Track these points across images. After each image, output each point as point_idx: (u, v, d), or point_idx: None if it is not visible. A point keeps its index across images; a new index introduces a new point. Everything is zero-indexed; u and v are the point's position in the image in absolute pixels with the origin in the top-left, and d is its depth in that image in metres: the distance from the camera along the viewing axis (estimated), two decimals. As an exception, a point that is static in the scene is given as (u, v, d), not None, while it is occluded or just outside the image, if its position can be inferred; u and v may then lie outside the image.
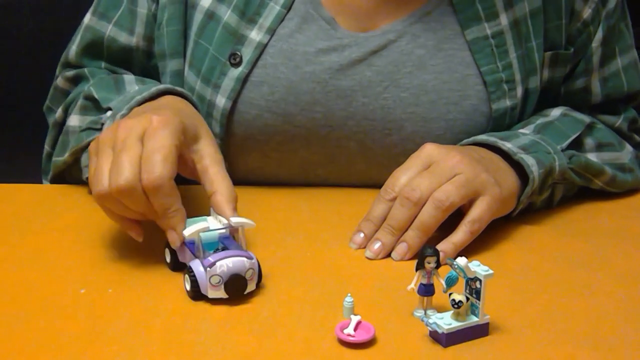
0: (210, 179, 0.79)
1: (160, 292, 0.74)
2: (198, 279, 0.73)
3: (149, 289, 0.75)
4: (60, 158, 0.96)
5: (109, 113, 0.89)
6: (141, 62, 1.00)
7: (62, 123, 0.99)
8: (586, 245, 0.87)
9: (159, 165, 0.73)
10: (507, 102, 0.95)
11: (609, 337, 0.70)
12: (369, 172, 0.96)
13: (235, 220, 0.76)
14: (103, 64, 1.01)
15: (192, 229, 0.74)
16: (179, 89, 0.89)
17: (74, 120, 0.95)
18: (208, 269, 0.72)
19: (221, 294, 0.72)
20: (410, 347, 0.68)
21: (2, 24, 1.21)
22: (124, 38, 0.99)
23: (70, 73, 1.01)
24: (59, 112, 0.99)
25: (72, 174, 0.97)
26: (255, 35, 0.92)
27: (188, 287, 0.73)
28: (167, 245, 0.78)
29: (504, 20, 0.94)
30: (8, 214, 0.91)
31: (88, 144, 0.90)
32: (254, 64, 0.93)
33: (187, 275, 0.74)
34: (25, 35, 1.22)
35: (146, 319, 0.70)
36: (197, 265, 0.73)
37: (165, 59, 0.97)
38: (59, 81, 1.03)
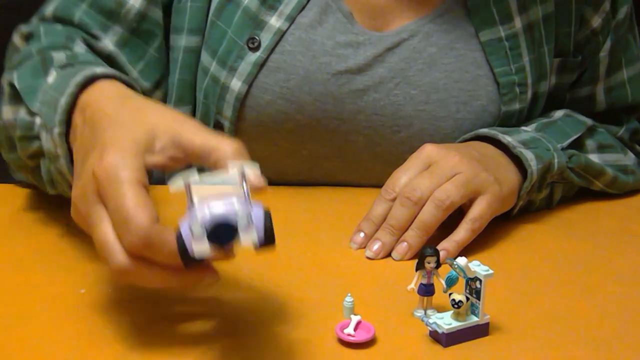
0: (201, 148, 0.64)
1: (160, 292, 0.74)
2: (184, 237, 0.58)
3: (149, 289, 0.75)
4: (10, 155, 0.86)
5: (38, 120, 0.77)
6: (129, 23, 0.92)
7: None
8: (586, 245, 0.87)
9: (134, 226, 0.59)
10: (517, 105, 0.95)
11: (609, 337, 0.70)
12: (375, 169, 0.96)
13: (233, 164, 0.61)
14: (77, 16, 0.91)
15: (177, 179, 0.59)
16: (102, 70, 0.74)
17: (7, 113, 0.83)
18: (190, 216, 0.58)
19: (206, 249, 0.57)
20: (410, 347, 0.68)
21: (2, 24, 1.21)
22: None
23: (26, 29, 0.92)
24: (4, 78, 0.88)
25: (36, 178, 0.85)
26: (275, 21, 0.92)
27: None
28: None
29: (518, 23, 0.94)
30: (8, 214, 0.91)
31: (35, 153, 0.80)
32: (272, 50, 0.92)
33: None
34: (25, 35, 1.21)
35: (146, 319, 0.70)
36: (184, 224, 0.59)
37: (182, 34, 0.95)
38: (14, 37, 0.93)
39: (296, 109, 0.93)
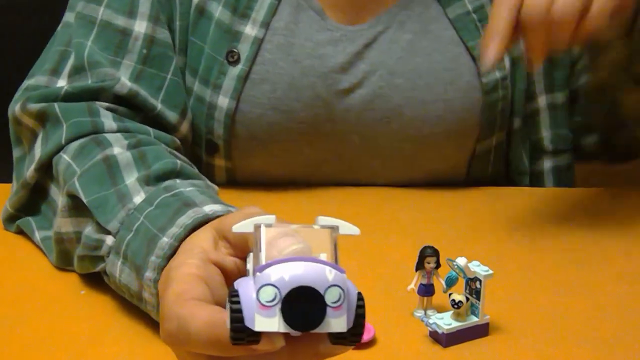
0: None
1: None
2: (243, 304, 0.43)
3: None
4: (65, 266, 0.79)
5: (109, 240, 0.70)
6: (139, 51, 0.88)
7: (34, 187, 0.82)
8: (586, 244, 0.87)
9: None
10: (497, 74, 0.95)
11: (609, 336, 0.70)
12: (374, 166, 0.96)
13: (324, 221, 0.48)
14: (90, 80, 0.85)
15: (246, 222, 0.48)
16: (211, 209, 0.65)
17: (65, 226, 0.76)
18: (257, 274, 0.44)
19: (275, 324, 0.42)
20: (410, 347, 0.68)
21: (2, 24, 1.21)
22: (120, 21, 0.88)
23: (35, 107, 0.83)
24: (31, 171, 0.81)
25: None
26: (250, 30, 0.91)
27: (227, 323, 0.44)
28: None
29: None
30: (8, 214, 0.91)
31: (97, 272, 0.74)
32: (252, 60, 0.91)
33: (227, 302, 0.45)
34: (25, 35, 1.22)
35: (146, 319, 0.70)
36: (246, 282, 0.45)
37: (176, 54, 0.91)
38: (19, 113, 0.85)
39: (287, 118, 0.92)
